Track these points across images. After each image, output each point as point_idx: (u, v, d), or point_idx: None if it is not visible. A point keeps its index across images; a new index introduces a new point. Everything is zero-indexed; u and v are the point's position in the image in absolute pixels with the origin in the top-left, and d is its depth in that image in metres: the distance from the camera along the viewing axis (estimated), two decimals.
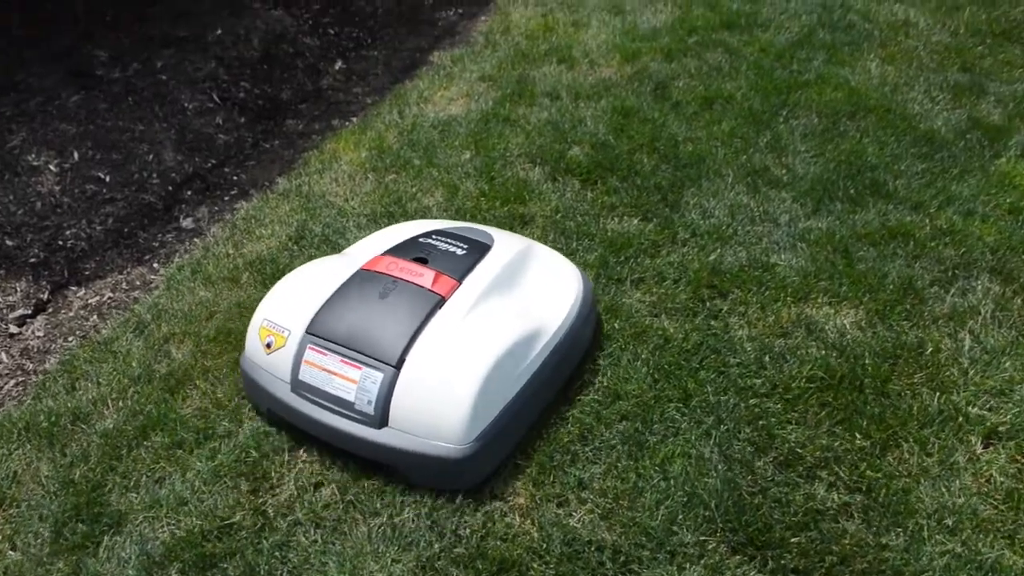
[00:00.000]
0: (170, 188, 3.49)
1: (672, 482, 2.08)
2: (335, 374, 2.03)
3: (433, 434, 1.94)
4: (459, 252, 2.27)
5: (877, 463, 2.13)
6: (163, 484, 2.16)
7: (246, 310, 2.67)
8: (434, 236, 2.35)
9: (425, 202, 3.15)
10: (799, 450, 2.16)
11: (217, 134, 3.80)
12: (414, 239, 2.35)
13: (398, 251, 2.30)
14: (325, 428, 2.03)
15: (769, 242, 2.88)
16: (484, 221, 2.98)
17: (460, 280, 2.17)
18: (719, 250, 2.84)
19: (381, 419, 1.98)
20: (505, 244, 2.37)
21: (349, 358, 2.03)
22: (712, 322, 2.57)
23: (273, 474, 2.16)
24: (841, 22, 4.42)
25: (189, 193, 3.48)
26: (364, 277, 2.19)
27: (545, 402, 2.20)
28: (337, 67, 4.36)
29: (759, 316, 2.58)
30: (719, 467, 2.12)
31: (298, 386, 2.08)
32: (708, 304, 2.63)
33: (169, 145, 3.70)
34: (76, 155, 3.50)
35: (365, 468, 2.14)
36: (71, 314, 2.88)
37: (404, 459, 1.97)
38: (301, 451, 2.21)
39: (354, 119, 3.89)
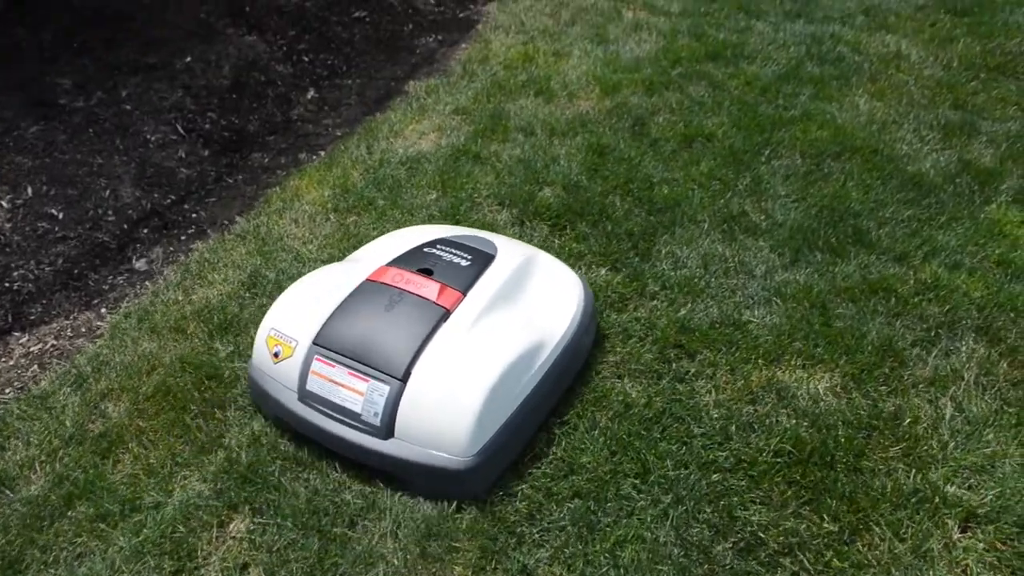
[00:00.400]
0: (125, 226, 3.35)
1: (622, 572, 1.92)
2: (342, 386, 2.08)
3: (438, 446, 1.99)
4: (463, 263, 2.31)
5: (845, 550, 1.97)
6: (83, 561, 2.02)
7: (188, 365, 2.54)
8: (438, 246, 2.38)
9: None
10: (761, 534, 2.01)
11: (179, 168, 3.67)
12: (419, 249, 2.38)
13: (403, 262, 2.33)
14: (332, 437, 2.08)
15: (743, 296, 2.73)
16: None
17: (464, 292, 2.22)
18: (689, 305, 2.68)
19: (387, 430, 2.03)
20: (508, 253, 2.40)
21: (356, 370, 2.07)
22: (678, 386, 2.42)
23: (199, 552, 2.03)
24: (830, 54, 4.27)
25: (145, 231, 3.35)
26: (370, 288, 2.24)
27: (546, 413, 2.24)
28: (309, 96, 4.23)
29: (728, 380, 2.43)
30: (674, 553, 1.97)
31: (305, 396, 2.13)
32: (675, 365, 2.48)
33: (128, 180, 3.56)
34: (30, 190, 3.37)
35: (294, 545, 1.99)
36: (11, 363, 2.74)
37: (409, 469, 2.02)
38: (231, 526, 2.06)
39: (322, 152, 3.75)
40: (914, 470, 2.17)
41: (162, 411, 2.43)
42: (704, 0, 4.92)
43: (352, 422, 2.06)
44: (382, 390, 2.04)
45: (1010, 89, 4.02)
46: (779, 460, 2.19)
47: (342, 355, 2.10)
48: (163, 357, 2.62)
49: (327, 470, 2.20)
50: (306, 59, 4.51)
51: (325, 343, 2.13)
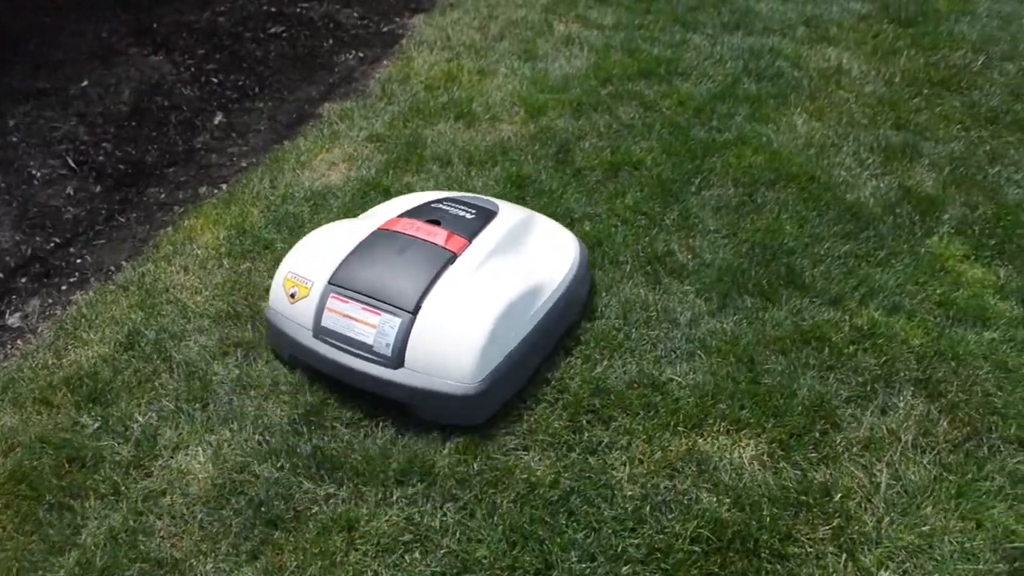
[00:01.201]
0: (1, 275, 3.04)
1: None
2: (356, 320, 2.21)
3: (445, 374, 2.13)
4: (468, 216, 2.48)
5: None
6: None
7: (48, 445, 2.26)
8: (445, 202, 2.56)
9: None
10: None
11: (66, 207, 3.36)
12: (427, 204, 2.56)
13: (413, 214, 2.51)
14: (345, 369, 2.21)
15: (665, 349, 2.49)
16: None
17: (470, 240, 2.38)
18: (606, 361, 2.45)
19: (398, 360, 2.16)
20: (509, 211, 2.58)
21: (369, 305, 2.21)
22: (589, 459, 2.18)
23: None
24: (769, 69, 4.06)
25: (23, 281, 3.04)
26: (382, 235, 2.40)
27: (545, 351, 2.39)
28: (216, 121, 3.93)
29: (644, 451, 2.20)
30: None
31: (320, 332, 2.26)
32: (587, 434, 2.25)
33: (8, 223, 3.25)
34: None
35: None
36: None
37: (417, 397, 2.15)
38: None
39: (224, 186, 3.46)
40: (845, 555, 1.97)
41: (14, 502, 2.16)
42: (639, 12, 4.68)
43: (365, 354, 2.19)
44: (393, 323, 2.17)
45: (954, 105, 3.83)
46: (696, 548, 1.96)
47: (357, 291, 2.23)
48: (22, 435, 2.34)
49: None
50: (215, 80, 4.21)
51: (340, 282, 2.27)
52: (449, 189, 3.23)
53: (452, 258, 2.31)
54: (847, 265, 2.82)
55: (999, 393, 2.39)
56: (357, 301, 2.23)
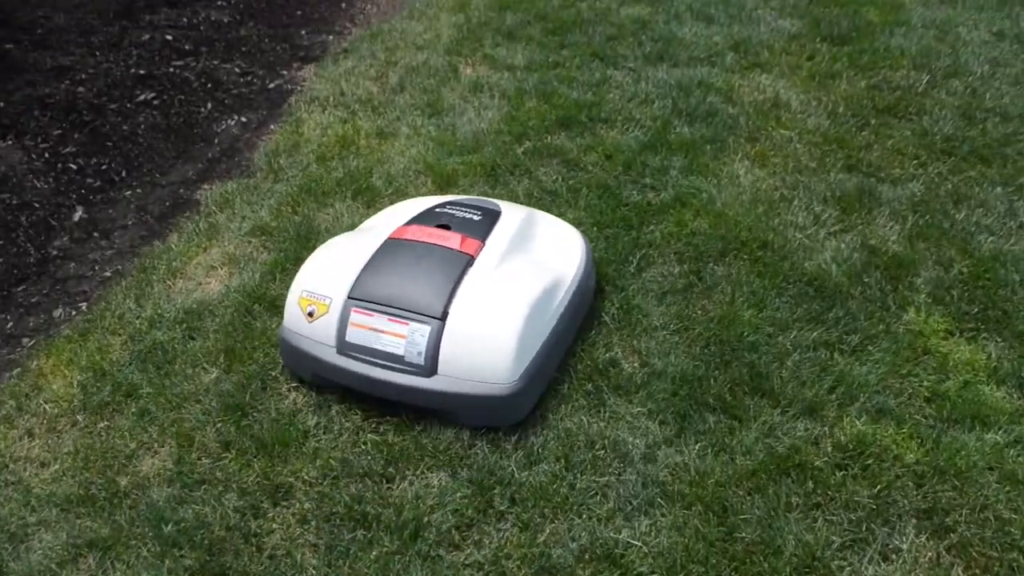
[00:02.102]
0: None
1: None
2: (383, 332, 2.18)
3: (481, 376, 2.12)
4: (475, 218, 2.47)
5: None
6: None
7: None
8: (448, 207, 2.54)
9: (143, 469, 2.20)
10: None
11: None
12: (431, 210, 2.54)
13: (419, 220, 2.47)
14: (376, 383, 2.17)
15: (618, 499, 2.05)
16: (226, 490, 2.06)
17: (483, 241, 2.37)
18: (550, 527, 1.99)
19: (431, 368, 2.14)
20: (512, 210, 2.59)
21: (395, 315, 2.18)
22: None
23: None
24: (701, 107, 3.63)
25: None
26: (394, 245, 2.37)
27: (567, 345, 2.40)
28: (76, 219, 3.36)
29: None
30: None
31: (345, 347, 2.22)
32: None
33: None
34: None
35: None
36: None
37: (456, 402, 2.13)
38: None
39: (84, 305, 2.89)
40: None
41: None
42: (552, 48, 4.23)
43: (396, 365, 2.16)
44: (423, 331, 2.15)
45: (905, 136, 3.47)
46: None
47: (379, 303, 2.20)
48: None
49: None
50: (74, 166, 3.63)
51: (361, 295, 2.24)
52: None
53: (470, 261, 2.30)
54: (818, 359, 2.41)
55: (1014, 517, 1.99)
56: (382, 313, 2.20)
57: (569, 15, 4.56)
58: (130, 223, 3.36)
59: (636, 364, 2.43)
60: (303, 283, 2.36)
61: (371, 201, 3.20)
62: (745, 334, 2.49)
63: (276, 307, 2.71)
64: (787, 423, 2.23)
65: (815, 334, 2.50)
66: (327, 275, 2.35)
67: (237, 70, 4.39)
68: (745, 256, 2.81)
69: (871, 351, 2.45)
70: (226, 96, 4.17)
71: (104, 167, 3.67)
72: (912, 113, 3.64)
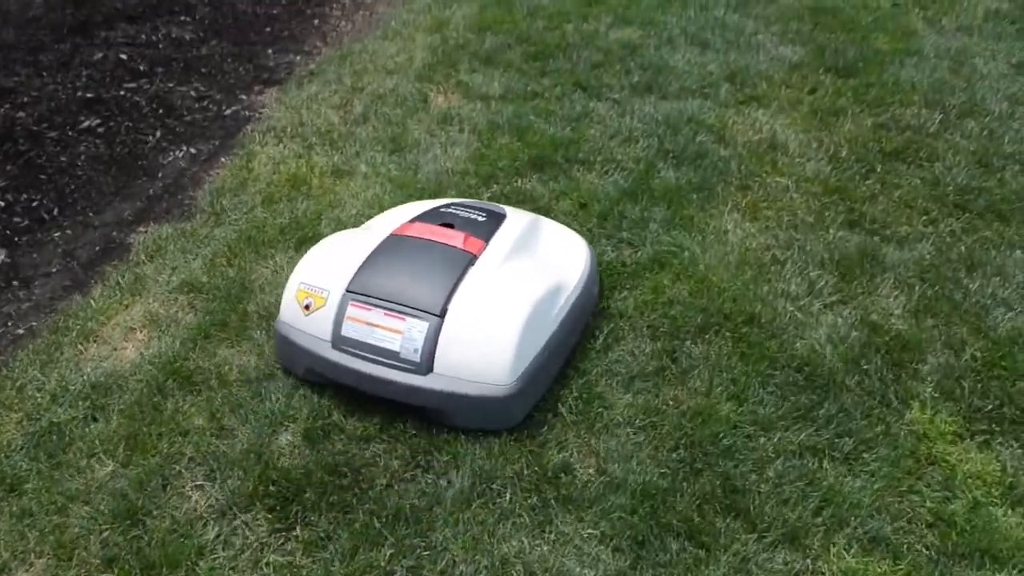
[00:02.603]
0: None
1: None
2: (379, 327, 2.13)
3: (478, 376, 2.07)
4: (480, 219, 2.44)
5: None
6: None
7: None
8: (453, 207, 2.51)
9: None
10: None
11: None
12: (435, 210, 2.51)
13: (424, 218, 2.44)
14: (370, 379, 2.12)
15: None
16: None
17: (487, 241, 2.33)
18: None
19: (427, 365, 2.09)
20: (517, 214, 2.55)
21: (393, 311, 2.13)
22: None
23: None
24: (689, 147, 3.29)
25: None
26: (396, 241, 2.33)
27: (570, 348, 2.33)
28: None
29: None
30: None
31: (340, 342, 2.17)
32: None
33: None
34: None
35: None
36: None
37: (451, 402, 2.07)
38: None
39: None
40: None
41: None
42: (532, 76, 3.88)
43: (391, 361, 2.10)
44: (420, 327, 2.09)
45: (914, 184, 3.11)
46: None
47: (378, 298, 2.15)
48: None
49: None
50: (2, 203, 3.30)
51: (359, 289, 2.19)
52: (273, 371, 2.40)
53: (472, 259, 2.26)
54: (805, 469, 2.07)
55: None
56: (379, 307, 2.15)
57: (553, 38, 4.21)
58: (54, 270, 3.04)
59: (592, 470, 2.09)
60: (302, 275, 2.31)
61: None
62: (721, 435, 2.15)
63: (192, 384, 2.38)
64: (763, 553, 1.89)
65: (802, 436, 2.15)
66: (326, 268, 2.30)
67: (193, 93, 4.06)
68: (728, 333, 2.47)
69: (866, 460, 2.10)
70: (177, 123, 3.85)
71: (35, 204, 3.35)
72: (923, 158, 3.28)
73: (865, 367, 2.36)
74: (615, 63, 4.00)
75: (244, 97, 4.06)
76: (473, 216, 2.46)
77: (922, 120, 3.53)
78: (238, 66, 4.34)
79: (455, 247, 2.28)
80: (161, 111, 3.93)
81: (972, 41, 4.22)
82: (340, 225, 3.00)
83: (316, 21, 4.79)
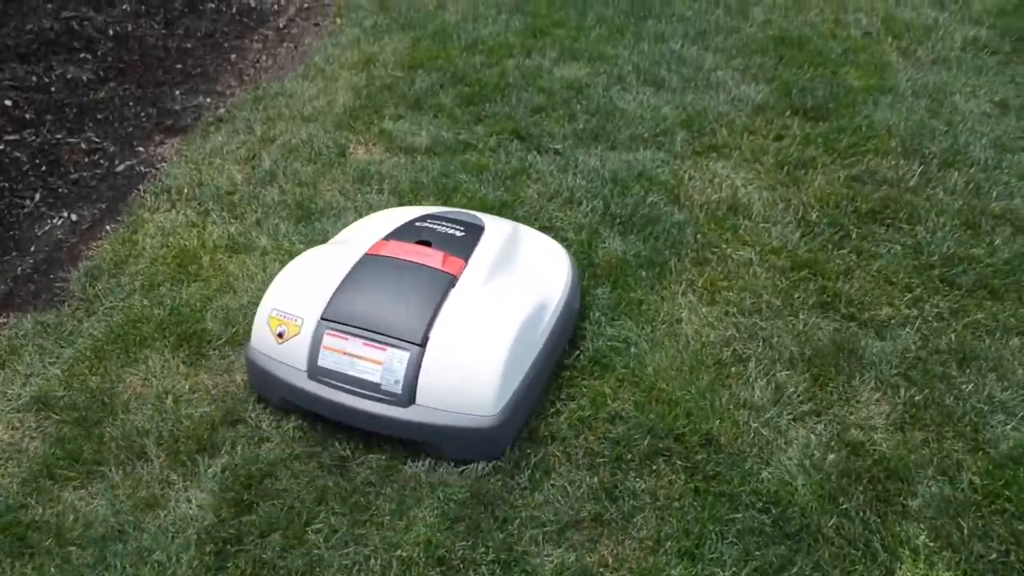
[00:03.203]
0: None
1: None
2: (358, 357, 2.04)
3: (463, 407, 1.98)
4: (458, 234, 2.33)
5: None
6: None
7: None
8: (429, 220, 2.40)
9: None
10: None
11: None
12: (410, 224, 2.39)
13: (399, 235, 2.32)
14: (349, 411, 2.03)
15: None
16: None
17: (466, 260, 2.22)
18: None
19: (409, 397, 2.00)
20: (496, 225, 2.44)
21: (372, 340, 2.03)
22: None
23: None
24: (639, 210, 2.87)
25: None
26: (371, 262, 2.21)
27: (554, 365, 2.25)
28: None
29: None
30: None
31: (317, 372, 2.07)
32: None
33: None
34: None
35: None
36: None
37: (436, 434, 1.99)
38: None
39: None
40: None
41: None
42: (465, 122, 3.44)
43: (371, 393, 2.02)
44: (401, 357, 2.01)
45: (894, 253, 2.71)
46: None
47: (355, 326, 2.06)
48: None
49: None
50: None
51: (335, 316, 2.09)
52: (124, 521, 1.93)
53: (452, 281, 2.16)
54: None
55: None
56: (357, 336, 2.05)
57: (491, 77, 3.77)
58: None
59: None
60: (273, 301, 2.19)
61: (196, 356, 2.40)
62: None
63: (25, 545, 1.91)
64: None
65: None
66: (299, 293, 2.18)
67: (84, 146, 3.57)
68: (680, 461, 2.05)
69: None
70: (61, 183, 3.36)
71: None
72: (902, 220, 2.89)
73: (844, 505, 1.94)
74: (559, 106, 3.56)
75: (141, 149, 3.58)
76: (451, 231, 2.33)
77: (900, 172, 3.13)
78: (140, 111, 3.86)
79: (434, 268, 2.17)
80: (44, 168, 3.45)
81: (951, 76, 3.84)
82: (226, 317, 2.54)
83: (233, 56, 4.31)
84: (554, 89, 3.69)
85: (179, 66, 4.23)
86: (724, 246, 2.78)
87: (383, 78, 3.83)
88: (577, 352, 2.39)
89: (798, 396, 2.24)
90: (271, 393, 2.19)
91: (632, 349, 2.38)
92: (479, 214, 2.51)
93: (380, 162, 3.27)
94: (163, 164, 3.45)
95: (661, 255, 2.74)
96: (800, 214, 2.93)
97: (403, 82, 3.79)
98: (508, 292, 2.19)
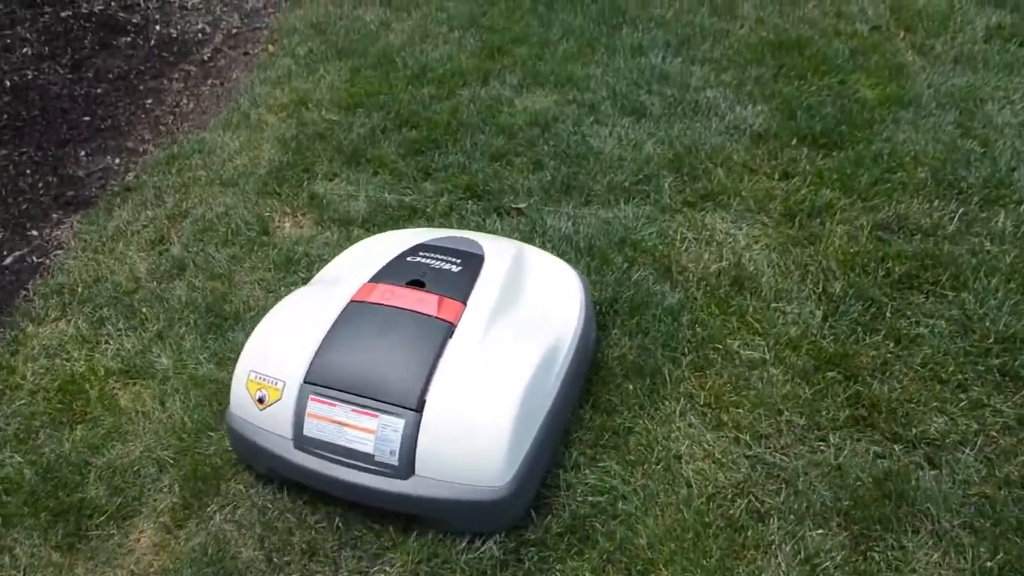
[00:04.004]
0: None
1: None
2: (347, 425, 1.85)
3: (468, 477, 1.78)
4: (454, 269, 2.08)
5: None
6: None
7: None
8: (421, 253, 2.15)
9: None
10: None
11: None
12: (400, 259, 2.14)
13: (387, 276, 2.07)
14: (341, 484, 1.84)
15: None
16: None
17: (465, 301, 1.98)
18: None
19: (407, 469, 1.81)
20: (497, 251, 2.17)
21: (361, 406, 1.84)
22: None
23: None
24: (623, 291, 2.37)
25: None
26: (358, 311, 1.98)
27: (568, 413, 2.02)
28: None
29: None
30: None
31: (303, 442, 1.88)
32: None
33: None
34: None
35: None
36: None
37: (438, 508, 1.80)
38: None
39: None
40: None
41: None
42: (411, 178, 2.93)
43: (364, 464, 1.82)
44: (396, 425, 1.81)
45: (939, 330, 2.20)
46: None
47: (342, 391, 1.84)
48: None
49: None
50: None
51: (319, 380, 1.87)
52: None
53: (450, 330, 1.90)
54: None
55: None
56: (345, 402, 1.83)
57: (442, 114, 3.21)
58: None
59: None
60: (250, 362, 1.97)
61: (73, 534, 1.88)
62: None
63: None
64: None
65: None
66: (278, 352, 1.96)
67: None
68: None
69: None
70: None
71: None
72: (945, 285, 2.35)
73: None
74: (522, 150, 3.01)
75: (35, 233, 3.03)
76: (445, 266, 2.08)
77: (935, 216, 2.58)
78: (38, 180, 3.30)
79: (428, 316, 1.93)
80: None
81: (978, 77, 3.27)
82: (113, 481, 2.01)
83: (149, 101, 3.74)
84: (516, 127, 3.12)
85: (87, 118, 3.66)
86: (730, 339, 2.24)
87: (316, 124, 3.26)
88: (548, 517, 1.84)
89: (835, 568, 1.70)
90: (256, 463, 1.99)
91: (620, 506, 1.85)
92: (477, 237, 2.25)
93: (309, 239, 2.71)
94: (58, 252, 2.91)
95: (652, 358, 2.20)
96: (820, 286, 2.38)
97: (339, 128, 3.22)
98: (514, 338, 1.94)
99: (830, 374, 2.14)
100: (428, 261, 2.11)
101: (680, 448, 1.99)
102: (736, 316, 2.32)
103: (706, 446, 2.00)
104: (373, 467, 1.83)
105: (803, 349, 2.21)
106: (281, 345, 1.99)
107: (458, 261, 2.11)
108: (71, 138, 3.56)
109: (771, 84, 3.30)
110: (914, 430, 2.01)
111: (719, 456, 1.97)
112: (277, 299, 2.48)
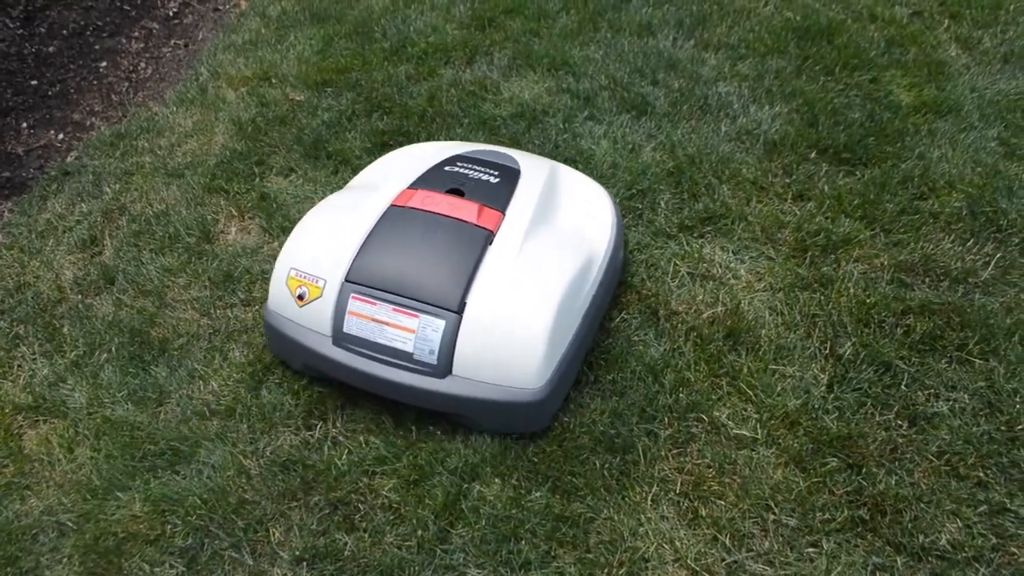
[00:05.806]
0: None
1: None
2: (388, 324, 1.88)
3: (505, 378, 1.83)
4: (492, 180, 2.10)
5: None
6: None
7: None
8: (459, 163, 2.16)
9: None
10: None
11: None
12: (439, 168, 2.15)
13: (427, 183, 2.09)
14: (379, 381, 1.89)
15: None
16: None
17: (503, 211, 2.01)
18: None
19: (445, 368, 1.86)
20: (532, 166, 2.19)
21: (403, 306, 1.87)
22: None
23: None
24: (601, 339, 2.02)
25: None
26: (398, 215, 2.00)
27: (596, 327, 2.07)
28: None
29: None
30: None
31: (342, 339, 1.92)
32: None
33: None
34: None
35: None
36: None
37: (472, 407, 1.86)
38: None
39: None
40: None
41: None
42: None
43: (403, 363, 1.87)
44: (436, 325, 1.85)
45: (961, 409, 1.92)
46: None
47: (383, 291, 1.88)
48: None
49: None
50: None
51: (360, 279, 1.91)
52: None
53: (490, 237, 1.93)
54: None
55: None
56: (386, 302, 1.86)
57: (419, 99, 2.85)
58: None
59: None
60: (291, 259, 1.97)
61: None
62: None
63: None
64: None
65: None
66: (319, 250, 1.96)
67: None
68: None
69: None
70: None
71: None
72: (972, 350, 2.03)
73: None
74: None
75: None
76: (484, 176, 2.10)
77: (967, 259, 2.24)
78: None
79: (468, 223, 1.94)
80: None
81: None
82: (6, 551, 1.73)
83: (104, 64, 3.39)
84: (499, 119, 2.77)
85: (34, 82, 3.31)
86: (718, 409, 1.93)
87: (278, 105, 2.91)
88: None
89: None
90: (292, 358, 2.03)
91: None
92: (512, 152, 2.25)
93: (254, 251, 2.40)
94: None
95: (626, 427, 1.90)
96: (828, 344, 2.05)
97: (302, 112, 2.87)
98: (552, 249, 1.95)
99: (830, 461, 1.84)
100: (466, 171, 2.11)
101: (648, 548, 1.70)
102: (727, 378, 2.01)
103: (678, 546, 1.71)
104: (412, 365, 1.86)
105: (802, 427, 1.90)
106: (322, 245, 1.98)
107: (496, 173, 2.12)
108: (14, 106, 3.22)
109: (793, 80, 2.91)
110: (922, 538, 1.71)
111: (692, 561, 1.68)
112: (212, 327, 2.19)
